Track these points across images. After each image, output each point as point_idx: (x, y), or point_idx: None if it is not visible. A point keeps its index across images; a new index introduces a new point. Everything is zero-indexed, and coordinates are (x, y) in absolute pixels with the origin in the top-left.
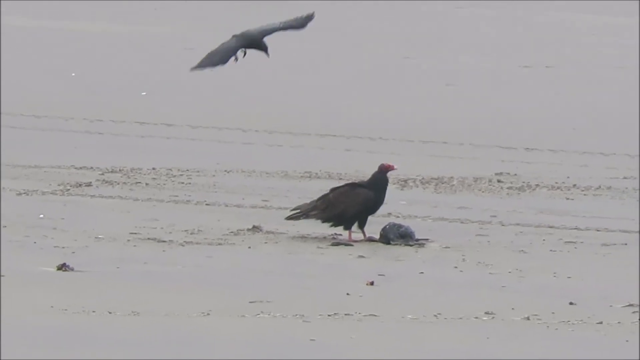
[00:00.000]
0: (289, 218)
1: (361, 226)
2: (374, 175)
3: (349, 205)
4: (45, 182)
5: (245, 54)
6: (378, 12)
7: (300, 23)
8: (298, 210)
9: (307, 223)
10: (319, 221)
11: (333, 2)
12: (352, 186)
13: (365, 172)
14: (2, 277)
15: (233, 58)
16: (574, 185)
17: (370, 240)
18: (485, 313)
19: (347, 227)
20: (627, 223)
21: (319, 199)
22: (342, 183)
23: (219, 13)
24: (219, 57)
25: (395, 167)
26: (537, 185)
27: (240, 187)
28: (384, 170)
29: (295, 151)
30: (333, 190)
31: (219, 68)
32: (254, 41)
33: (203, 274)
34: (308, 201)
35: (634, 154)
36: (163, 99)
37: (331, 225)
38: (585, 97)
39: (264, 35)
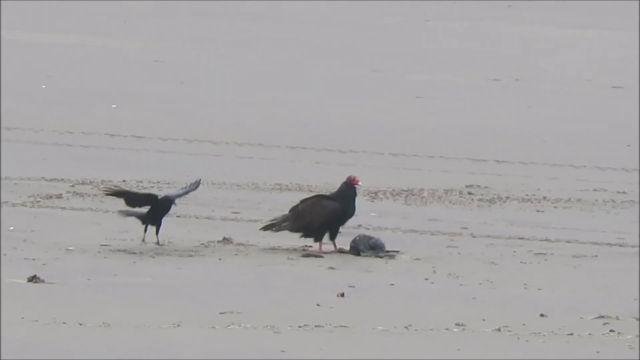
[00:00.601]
0: (264, 229)
1: (332, 237)
2: (341, 187)
3: (316, 217)
4: (16, 194)
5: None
6: (347, 25)
7: (196, 187)
8: (273, 222)
9: (277, 235)
10: (290, 232)
11: (304, 15)
12: (320, 198)
13: (335, 184)
14: None
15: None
16: (544, 197)
17: (341, 251)
18: (456, 324)
19: (317, 239)
20: (597, 235)
21: (290, 209)
22: (312, 195)
23: (187, 27)
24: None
25: (359, 182)
26: (507, 197)
27: (210, 199)
28: (350, 182)
29: (265, 163)
30: (303, 201)
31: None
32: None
33: (173, 286)
34: (280, 214)
35: (604, 167)
36: (133, 111)
37: (301, 236)
38: (554, 109)
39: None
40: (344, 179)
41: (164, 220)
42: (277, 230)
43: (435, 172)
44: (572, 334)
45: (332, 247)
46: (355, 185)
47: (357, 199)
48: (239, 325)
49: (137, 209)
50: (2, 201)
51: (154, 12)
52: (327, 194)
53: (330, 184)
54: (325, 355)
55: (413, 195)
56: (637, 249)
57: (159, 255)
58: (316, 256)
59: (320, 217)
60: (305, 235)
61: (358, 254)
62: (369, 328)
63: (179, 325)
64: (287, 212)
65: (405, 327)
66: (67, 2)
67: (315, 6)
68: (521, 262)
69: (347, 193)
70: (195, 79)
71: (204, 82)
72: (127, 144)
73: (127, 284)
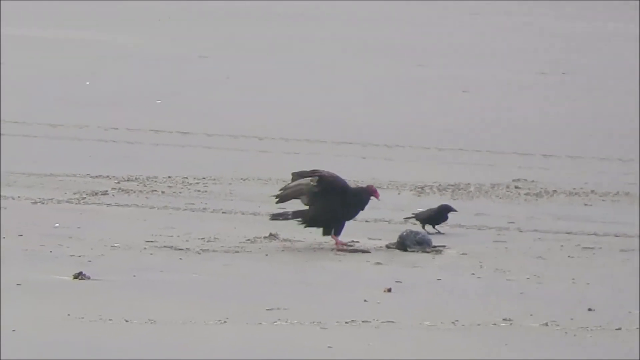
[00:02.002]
0: (278, 197)
1: (337, 232)
2: (360, 191)
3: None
4: (61, 191)
5: None
6: (391, 20)
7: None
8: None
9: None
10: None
11: (345, 11)
12: (336, 177)
13: (381, 179)
14: (17, 286)
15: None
16: (592, 191)
17: (343, 248)
18: (503, 319)
19: (336, 232)
20: None
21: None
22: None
23: (232, 22)
24: None
25: (379, 197)
26: (554, 191)
27: (256, 195)
28: (369, 192)
29: (311, 158)
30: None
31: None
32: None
33: (220, 282)
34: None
35: None
36: (178, 107)
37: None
38: (602, 103)
39: None
40: (391, 174)
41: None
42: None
43: (482, 166)
44: (620, 329)
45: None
46: (372, 197)
47: (403, 195)
48: (286, 322)
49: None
50: (47, 198)
51: (196, 12)
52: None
53: (377, 179)
54: (372, 350)
55: (459, 190)
56: None
57: (205, 251)
58: (363, 251)
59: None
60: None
61: (405, 249)
62: (415, 323)
63: (225, 322)
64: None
65: (452, 323)
66: (111, 2)
67: (360, 4)
68: (569, 256)
69: (361, 199)
70: (240, 74)
71: (249, 77)
72: (172, 140)
73: (172, 280)
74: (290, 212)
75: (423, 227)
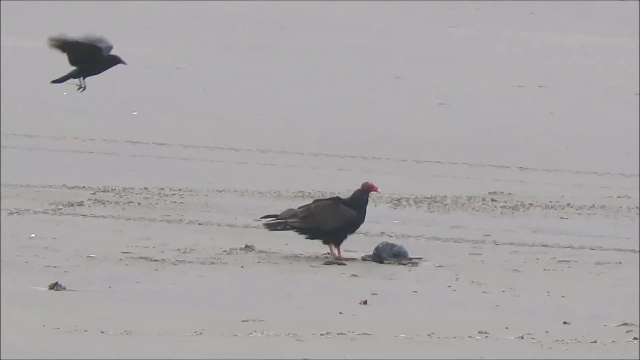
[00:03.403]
0: (267, 225)
1: (338, 244)
2: (356, 194)
3: (329, 220)
4: (37, 202)
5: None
6: (369, 30)
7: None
8: (276, 217)
9: (299, 242)
10: (297, 232)
11: (324, 21)
12: (337, 201)
13: None
14: None
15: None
16: (568, 204)
17: (340, 263)
18: (479, 332)
19: (337, 243)
20: (621, 242)
21: (301, 207)
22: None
23: (210, 33)
24: None
25: (378, 189)
26: (531, 204)
27: (232, 206)
28: (366, 189)
29: (288, 170)
30: (317, 201)
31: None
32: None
33: (195, 293)
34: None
35: (628, 173)
36: (154, 118)
37: (307, 238)
38: (578, 116)
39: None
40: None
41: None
42: (284, 229)
43: (459, 179)
44: (595, 342)
45: (353, 255)
46: (373, 192)
47: (380, 207)
48: (261, 333)
49: None
50: (23, 209)
51: (174, 19)
52: (342, 198)
53: (353, 191)
54: None
55: (436, 203)
56: None
57: (181, 262)
58: (339, 264)
59: (334, 221)
60: (311, 237)
61: (381, 262)
62: (391, 336)
63: (201, 333)
64: (292, 208)
65: (428, 335)
66: (88, 7)
67: (336, 11)
68: (544, 269)
69: (362, 200)
70: (217, 86)
71: (226, 89)
72: (148, 151)
73: (148, 291)
74: (288, 222)
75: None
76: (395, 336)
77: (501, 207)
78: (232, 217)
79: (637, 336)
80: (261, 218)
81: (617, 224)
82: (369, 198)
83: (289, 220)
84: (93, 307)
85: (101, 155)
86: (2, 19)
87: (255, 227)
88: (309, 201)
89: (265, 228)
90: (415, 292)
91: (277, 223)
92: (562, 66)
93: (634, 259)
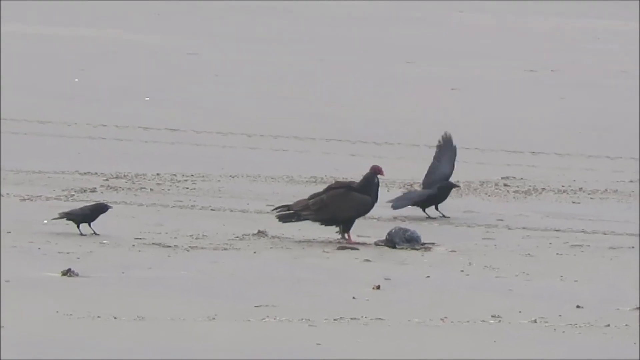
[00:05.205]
0: (279, 216)
1: (347, 229)
2: (367, 178)
3: (344, 209)
4: (49, 188)
5: None
6: (380, 17)
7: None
8: (287, 209)
9: (311, 227)
10: (312, 222)
11: (337, 8)
12: (348, 189)
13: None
14: (6, 283)
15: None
16: (580, 188)
17: (352, 247)
18: (492, 316)
19: (346, 229)
20: (633, 226)
21: (311, 198)
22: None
23: (222, 18)
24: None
25: (383, 173)
26: (543, 189)
27: (245, 192)
28: (375, 172)
29: (300, 156)
30: (327, 190)
31: None
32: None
33: (208, 279)
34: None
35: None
36: (167, 104)
37: (322, 224)
38: (590, 100)
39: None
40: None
41: None
42: (298, 220)
43: (471, 164)
44: (608, 325)
45: (365, 240)
46: (379, 175)
47: (392, 192)
48: (274, 319)
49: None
50: (36, 195)
51: (186, 5)
52: (352, 184)
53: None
54: (360, 347)
55: None
56: None
57: (194, 248)
58: (352, 249)
59: (348, 209)
60: (326, 224)
61: (394, 247)
62: (404, 320)
63: (213, 319)
64: (303, 199)
65: (441, 319)
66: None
67: (347, 3)
68: (557, 253)
69: (372, 183)
70: (229, 72)
71: (238, 75)
72: (161, 137)
73: (161, 277)
74: (301, 214)
75: (77, 227)
76: (409, 321)
77: (514, 191)
78: (245, 202)
79: None
80: (272, 210)
81: (629, 208)
82: (380, 183)
83: (302, 212)
84: (106, 293)
85: (113, 142)
86: (14, 6)
87: (267, 212)
88: (322, 187)
89: (278, 220)
90: (428, 277)
91: (290, 214)
92: (574, 51)
93: None
